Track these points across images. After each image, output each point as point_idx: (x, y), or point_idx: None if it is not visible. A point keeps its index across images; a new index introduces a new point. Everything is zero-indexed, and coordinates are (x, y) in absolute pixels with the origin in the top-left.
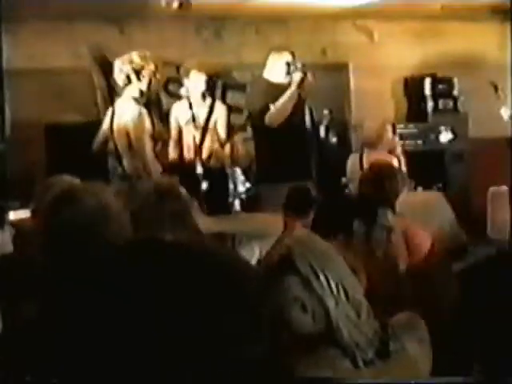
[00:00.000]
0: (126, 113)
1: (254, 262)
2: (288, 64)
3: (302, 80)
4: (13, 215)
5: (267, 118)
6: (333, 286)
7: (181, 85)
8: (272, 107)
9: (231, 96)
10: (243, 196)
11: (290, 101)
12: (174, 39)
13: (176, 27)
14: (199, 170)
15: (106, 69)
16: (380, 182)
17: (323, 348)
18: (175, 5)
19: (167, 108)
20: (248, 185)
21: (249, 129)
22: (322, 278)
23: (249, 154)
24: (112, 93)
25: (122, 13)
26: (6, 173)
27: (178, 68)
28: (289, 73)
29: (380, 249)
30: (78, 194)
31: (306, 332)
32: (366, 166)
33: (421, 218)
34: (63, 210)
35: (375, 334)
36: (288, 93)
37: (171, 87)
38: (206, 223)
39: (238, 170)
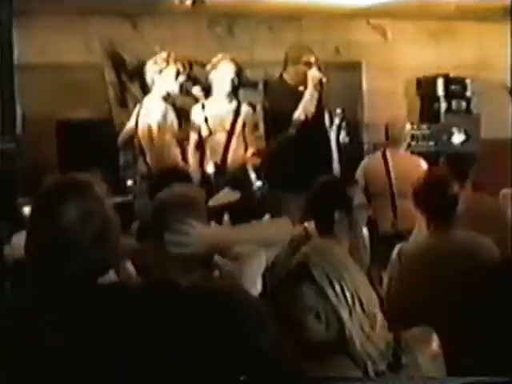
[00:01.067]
0: (153, 111)
1: (261, 272)
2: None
3: (321, 80)
4: (28, 210)
5: (294, 120)
6: (348, 296)
7: (194, 83)
8: (297, 110)
9: (243, 94)
10: (257, 194)
11: (312, 101)
12: (187, 35)
13: (189, 23)
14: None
15: (118, 65)
16: (443, 191)
17: (335, 357)
18: (188, 2)
19: (179, 105)
20: (259, 183)
21: (261, 126)
22: (337, 287)
23: (260, 152)
24: (123, 89)
25: (135, 9)
26: (17, 171)
27: (190, 64)
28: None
29: None
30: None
31: (319, 340)
32: (392, 166)
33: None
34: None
35: (388, 346)
36: (307, 94)
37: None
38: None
39: (250, 168)
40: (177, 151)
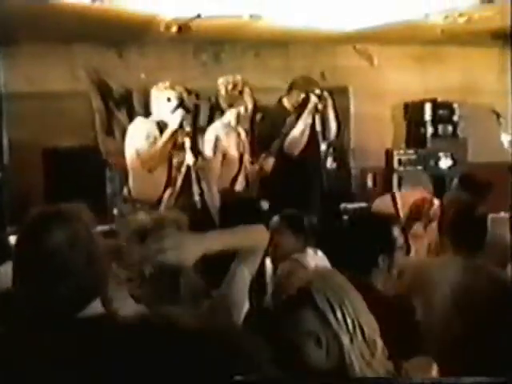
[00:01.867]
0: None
1: (246, 288)
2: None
3: (316, 106)
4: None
5: (286, 146)
6: (349, 322)
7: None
8: (290, 134)
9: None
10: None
11: (306, 127)
12: (173, 63)
13: (175, 51)
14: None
15: (105, 92)
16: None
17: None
18: (174, 29)
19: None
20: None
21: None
22: (338, 313)
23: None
24: (110, 117)
25: (121, 36)
26: (3, 201)
27: (197, 95)
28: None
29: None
30: (50, 222)
31: (319, 367)
32: (400, 205)
33: None
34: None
35: (387, 374)
36: (302, 120)
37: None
38: (195, 248)
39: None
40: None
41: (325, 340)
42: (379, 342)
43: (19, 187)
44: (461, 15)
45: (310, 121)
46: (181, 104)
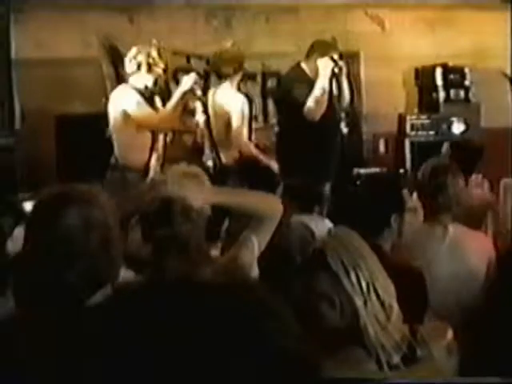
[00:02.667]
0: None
1: (256, 256)
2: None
3: (333, 70)
4: (30, 206)
5: (306, 111)
6: (363, 285)
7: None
8: (309, 100)
9: (242, 85)
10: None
11: (325, 92)
12: (184, 28)
13: (185, 16)
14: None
15: (116, 58)
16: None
17: (349, 347)
18: None
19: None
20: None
21: (260, 118)
22: (352, 276)
23: (259, 143)
24: (121, 83)
25: (131, 2)
26: (16, 166)
27: (187, 57)
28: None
29: None
30: (65, 203)
31: (333, 328)
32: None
33: None
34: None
35: (403, 338)
36: (320, 84)
37: (180, 76)
38: (207, 194)
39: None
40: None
41: (338, 302)
42: (395, 307)
43: (31, 152)
44: None
45: (327, 85)
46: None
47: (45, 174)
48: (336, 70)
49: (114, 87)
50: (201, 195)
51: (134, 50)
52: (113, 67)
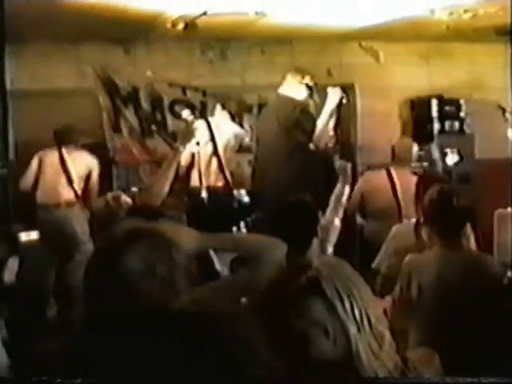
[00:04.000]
0: None
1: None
2: (308, 86)
3: (341, 100)
4: (24, 237)
5: (315, 139)
6: (356, 312)
7: (186, 106)
8: (318, 127)
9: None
10: (248, 219)
11: (331, 120)
12: (180, 60)
13: (181, 48)
14: (204, 194)
15: (112, 90)
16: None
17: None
18: (180, 26)
19: (172, 129)
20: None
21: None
22: (346, 303)
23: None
24: (117, 114)
25: (127, 34)
26: (9, 197)
27: (183, 89)
28: (311, 95)
29: None
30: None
31: (326, 357)
32: (399, 184)
33: None
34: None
35: (396, 367)
36: (328, 111)
37: (177, 108)
38: (197, 239)
39: (243, 192)
40: None
41: (332, 330)
42: (387, 335)
43: None
44: (466, 11)
45: (335, 113)
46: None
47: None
48: (344, 101)
49: (109, 118)
50: (195, 240)
51: None
52: (109, 98)
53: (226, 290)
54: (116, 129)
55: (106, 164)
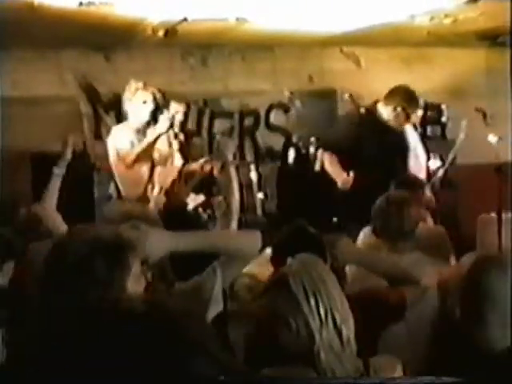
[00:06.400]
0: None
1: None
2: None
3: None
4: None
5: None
6: (322, 311)
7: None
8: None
9: (218, 124)
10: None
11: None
12: (160, 66)
13: (162, 55)
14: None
15: (93, 97)
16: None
17: (302, 370)
18: (161, 32)
19: None
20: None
21: (236, 157)
22: (312, 301)
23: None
24: (99, 121)
25: (108, 40)
26: None
27: (163, 95)
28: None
29: None
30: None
31: (289, 350)
32: None
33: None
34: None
35: (357, 371)
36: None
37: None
38: (168, 241)
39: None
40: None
41: (295, 324)
42: (352, 339)
43: (7, 192)
44: (446, 16)
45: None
46: (157, 106)
47: (20, 213)
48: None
49: (91, 125)
50: (161, 243)
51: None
52: (90, 105)
53: (196, 291)
54: (97, 136)
55: (87, 171)
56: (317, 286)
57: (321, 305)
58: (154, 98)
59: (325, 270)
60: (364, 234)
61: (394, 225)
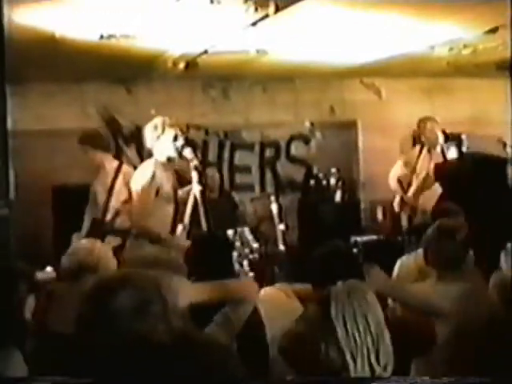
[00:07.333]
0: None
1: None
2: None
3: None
4: (41, 275)
5: None
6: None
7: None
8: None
9: (239, 156)
10: (251, 257)
11: None
12: (181, 99)
13: (183, 87)
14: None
15: (115, 129)
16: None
17: None
18: (182, 65)
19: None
20: (255, 245)
21: (257, 188)
22: (350, 328)
23: (256, 213)
24: (120, 154)
25: (129, 73)
26: (10, 237)
27: (188, 128)
28: None
29: None
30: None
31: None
32: None
33: None
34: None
35: None
36: None
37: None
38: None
39: (247, 230)
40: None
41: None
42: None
43: (27, 224)
44: (465, 47)
45: None
46: (186, 141)
47: (41, 245)
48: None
49: (112, 156)
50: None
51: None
52: (112, 137)
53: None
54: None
55: None
56: (355, 315)
57: (356, 332)
58: (182, 133)
59: (371, 299)
60: (401, 262)
61: (444, 253)
